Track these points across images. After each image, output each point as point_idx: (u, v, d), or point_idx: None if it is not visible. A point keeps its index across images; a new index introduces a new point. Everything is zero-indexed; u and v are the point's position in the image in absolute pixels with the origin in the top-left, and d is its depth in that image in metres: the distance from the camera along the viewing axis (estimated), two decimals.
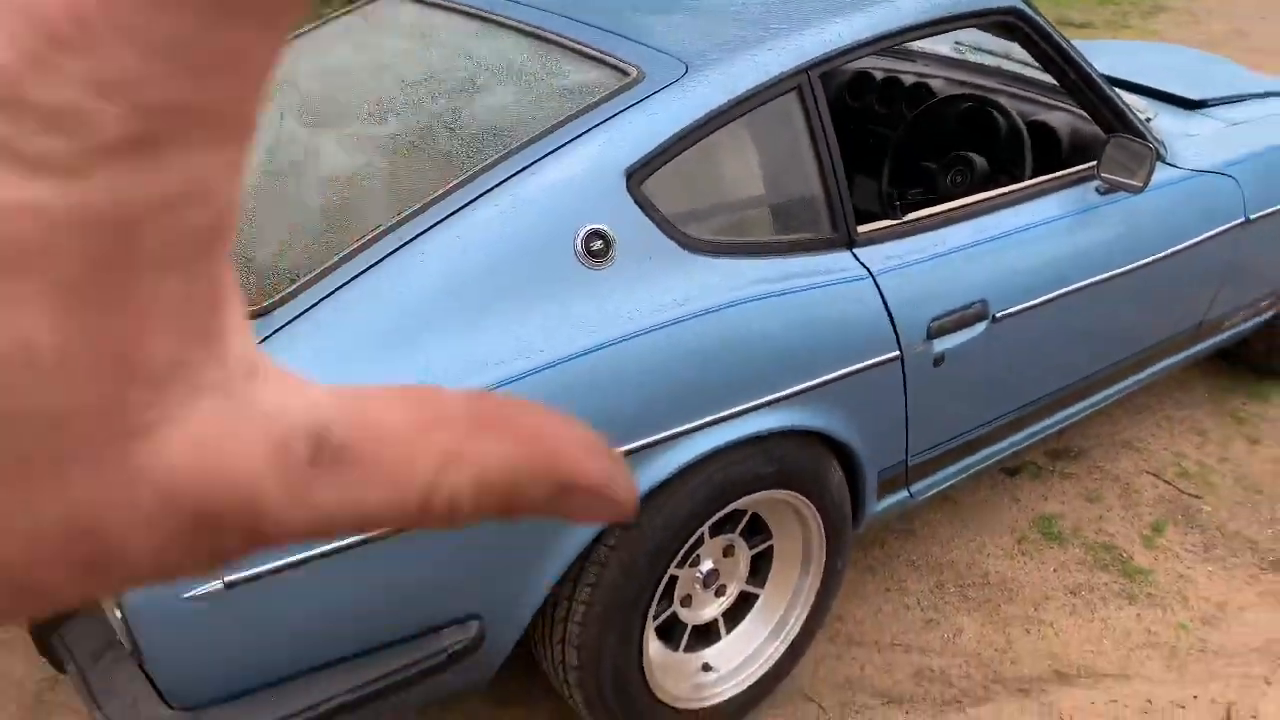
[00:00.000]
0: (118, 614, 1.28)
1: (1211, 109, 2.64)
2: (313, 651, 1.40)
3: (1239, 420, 2.90)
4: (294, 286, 1.42)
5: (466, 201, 1.49)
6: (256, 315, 1.41)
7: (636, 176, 1.57)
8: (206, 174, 0.15)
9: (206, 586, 1.26)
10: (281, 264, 1.48)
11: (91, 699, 1.39)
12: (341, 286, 1.41)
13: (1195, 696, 2.03)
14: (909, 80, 2.76)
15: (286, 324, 1.38)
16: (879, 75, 2.83)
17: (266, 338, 1.37)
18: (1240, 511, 2.55)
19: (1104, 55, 3.08)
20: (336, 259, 1.44)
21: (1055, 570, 2.34)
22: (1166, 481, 2.64)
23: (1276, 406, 2.97)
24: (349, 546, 1.33)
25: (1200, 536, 2.46)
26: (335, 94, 1.93)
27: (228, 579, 1.27)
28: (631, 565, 1.59)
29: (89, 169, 0.14)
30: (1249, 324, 2.74)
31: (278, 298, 1.41)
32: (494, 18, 1.95)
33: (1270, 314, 2.79)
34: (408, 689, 1.46)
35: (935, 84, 2.70)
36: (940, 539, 2.42)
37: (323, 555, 1.31)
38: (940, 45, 2.84)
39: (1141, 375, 2.48)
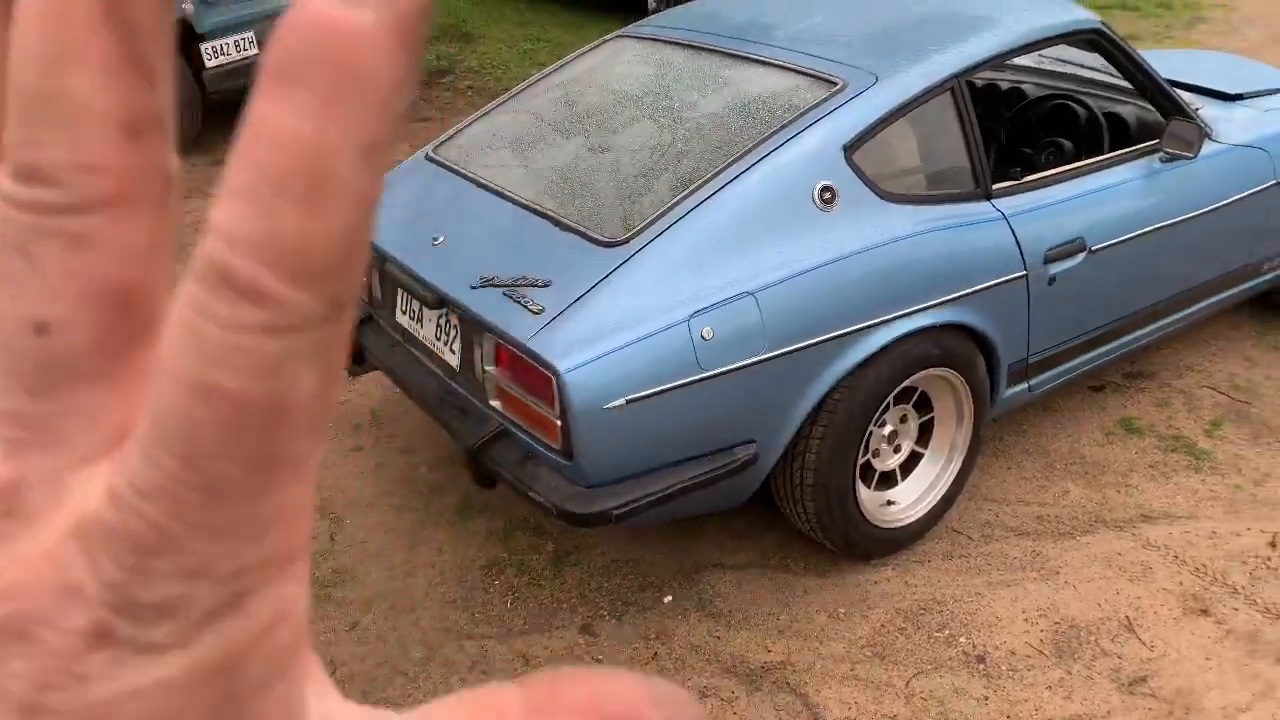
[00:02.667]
0: (558, 422, 2.07)
1: (1247, 100, 3.36)
2: (666, 451, 2.17)
3: None
4: (642, 224, 2.23)
5: (745, 168, 2.28)
6: (621, 243, 2.21)
7: (850, 150, 2.35)
8: (286, 599, 0.17)
9: (615, 401, 2.05)
10: (632, 210, 2.29)
11: (526, 486, 2.18)
12: (674, 224, 2.21)
13: (1248, 529, 2.73)
14: (1005, 86, 3.53)
15: (642, 247, 2.18)
16: (980, 83, 3.59)
17: (632, 256, 2.17)
18: None
19: (1158, 61, 3.82)
20: (668, 206, 2.24)
21: (1137, 453, 3.06)
22: (1222, 393, 3.34)
23: None
24: (692, 383, 2.11)
25: (1250, 429, 3.16)
26: (618, 101, 2.74)
27: (628, 397, 2.06)
28: (852, 411, 2.35)
29: (197, 637, 0.16)
30: None
31: (635, 231, 2.21)
32: (723, 50, 2.76)
33: None
34: (713, 485, 2.23)
35: (1026, 88, 3.46)
36: (1046, 434, 3.15)
37: (679, 387, 2.09)
38: (1028, 59, 3.60)
39: (1202, 305, 3.19)
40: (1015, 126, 3.37)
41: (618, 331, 2.08)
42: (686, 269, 2.17)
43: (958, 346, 2.50)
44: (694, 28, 2.95)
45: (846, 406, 2.35)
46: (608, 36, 3.17)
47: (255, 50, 5.82)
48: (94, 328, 0.17)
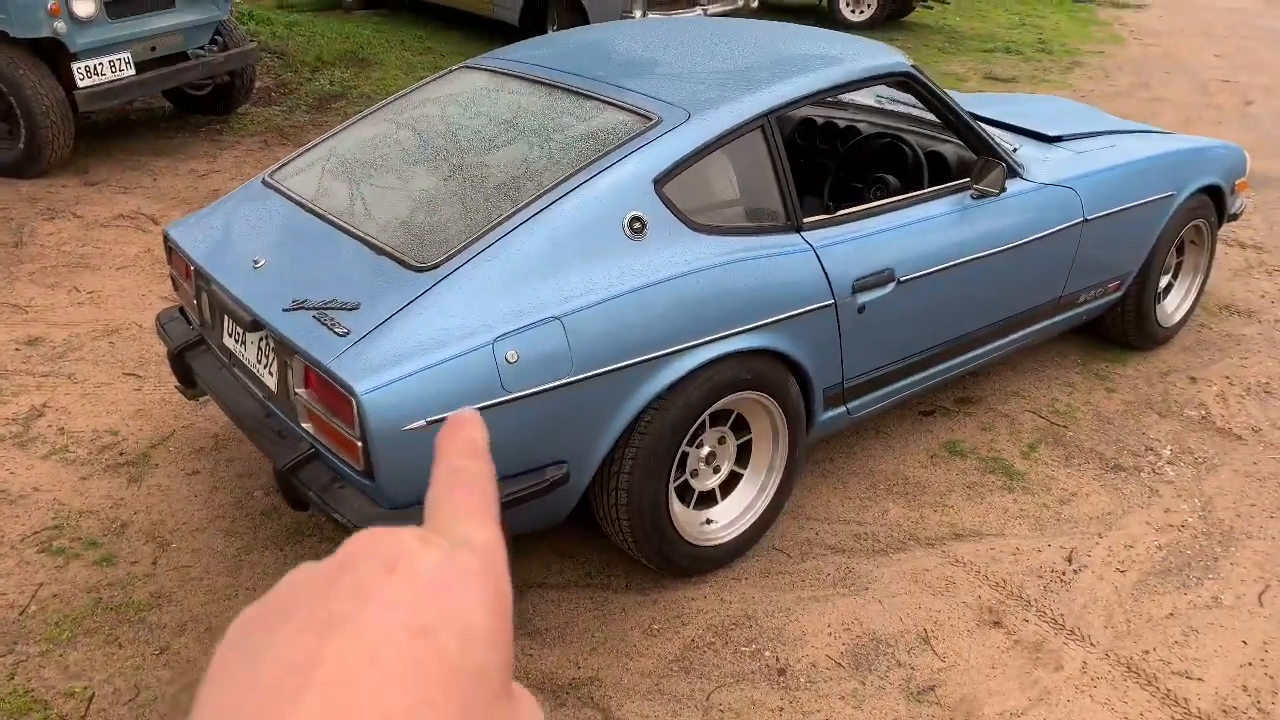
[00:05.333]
0: (359, 443, 2.10)
1: (1065, 142, 3.58)
2: None
3: (1101, 377, 3.82)
4: (454, 250, 2.29)
5: (557, 198, 2.36)
6: (431, 268, 2.27)
7: (660, 182, 2.45)
8: None
9: (415, 423, 2.10)
10: (446, 236, 2.35)
11: (331, 507, 2.21)
12: (484, 250, 2.28)
13: (1049, 545, 2.89)
14: (842, 124, 3.70)
15: (452, 272, 2.24)
16: (820, 121, 3.76)
17: (440, 280, 2.23)
18: (1094, 435, 3.44)
19: (998, 104, 4.05)
20: (480, 233, 2.31)
21: (957, 474, 3.21)
22: (1042, 417, 3.53)
23: (1130, 366, 3.89)
24: (496, 405, 2.17)
25: (1063, 451, 3.35)
26: (451, 130, 2.80)
27: (429, 419, 2.10)
28: (662, 432, 2.44)
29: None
30: (1101, 301, 3.66)
31: (446, 256, 2.27)
32: (552, 83, 2.85)
33: (1117, 294, 3.71)
34: (522, 504, 2.29)
35: (861, 126, 3.64)
36: (874, 456, 3.29)
37: (485, 407, 2.15)
38: (866, 98, 3.78)
39: (1017, 336, 3.38)
40: (848, 162, 3.53)
41: (420, 354, 2.13)
42: (495, 294, 2.24)
43: (768, 371, 2.61)
44: (533, 61, 3.05)
45: (657, 428, 2.43)
46: (454, 66, 3.24)
47: (131, 72, 5.74)
48: None
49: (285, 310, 2.32)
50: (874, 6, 10.21)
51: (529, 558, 2.77)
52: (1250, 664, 2.48)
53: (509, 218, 2.34)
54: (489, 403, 2.17)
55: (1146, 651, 2.50)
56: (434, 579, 0.32)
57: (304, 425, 2.32)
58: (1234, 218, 4.11)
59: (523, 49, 3.27)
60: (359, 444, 2.11)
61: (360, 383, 2.06)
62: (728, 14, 8.55)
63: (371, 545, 0.34)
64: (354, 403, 2.07)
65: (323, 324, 2.23)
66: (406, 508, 2.18)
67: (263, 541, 2.80)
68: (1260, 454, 3.37)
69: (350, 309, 2.25)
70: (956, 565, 2.79)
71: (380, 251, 2.38)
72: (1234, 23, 12.37)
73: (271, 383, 2.45)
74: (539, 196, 2.38)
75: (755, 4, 9.02)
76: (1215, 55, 10.32)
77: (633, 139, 2.50)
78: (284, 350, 2.33)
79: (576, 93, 2.77)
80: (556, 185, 2.40)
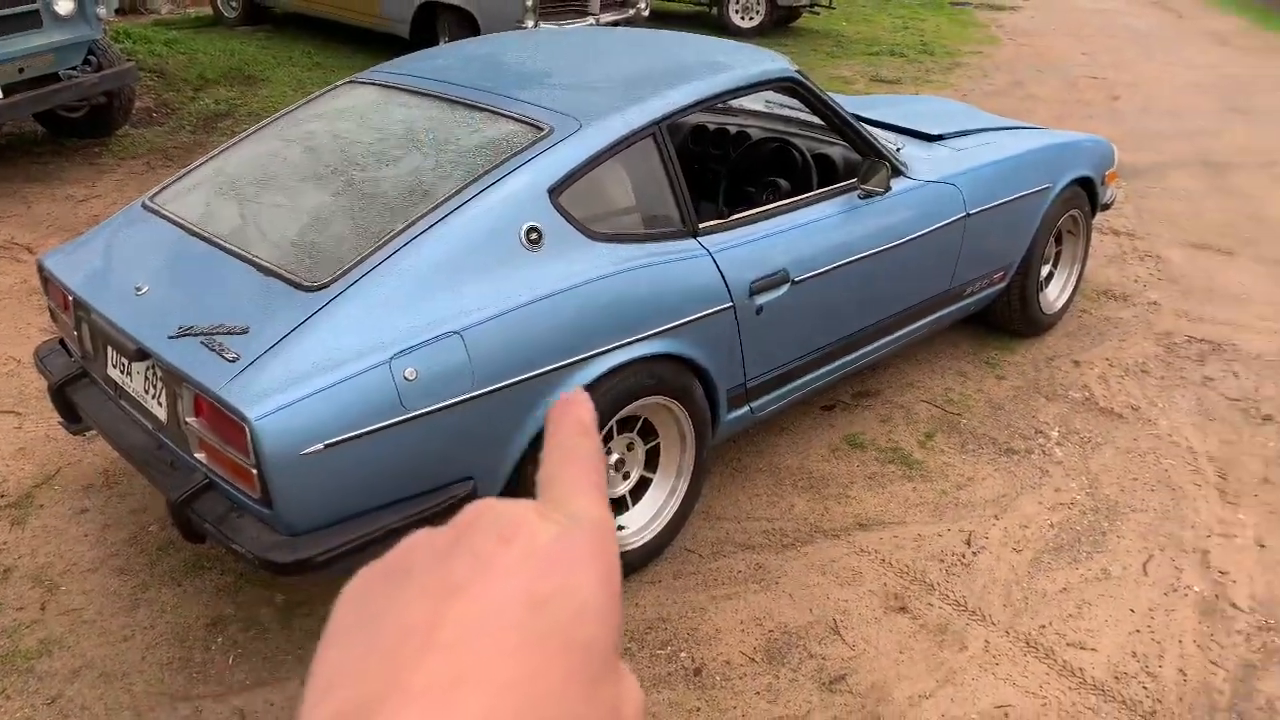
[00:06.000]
0: (254, 471, 2.05)
1: (946, 140, 3.71)
2: (375, 494, 2.18)
3: (991, 365, 3.97)
4: (345, 268, 2.25)
5: (450, 211, 2.35)
6: (322, 287, 2.22)
7: (555, 192, 2.46)
8: None
9: (312, 447, 2.05)
10: (337, 254, 2.30)
11: (229, 539, 2.14)
12: (377, 267, 2.24)
13: (949, 530, 2.99)
14: (733, 130, 3.76)
15: (344, 290, 2.20)
16: (712, 127, 3.82)
17: (332, 300, 2.19)
18: (987, 421, 3.57)
19: (882, 105, 4.17)
20: (372, 250, 2.27)
21: (858, 465, 3.30)
22: (937, 406, 3.65)
23: (1018, 353, 4.05)
24: (396, 424, 2.14)
25: (959, 438, 3.47)
26: (340, 145, 2.75)
27: (326, 442, 2.06)
28: None
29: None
30: (988, 292, 3.81)
31: (338, 274, 2.23)
32: (442, 95, 2.83)
33: (1002, 284, 3.87)
34: (431, 524, 2.25)
35: (752, 132, 3.71)
36: (778, 452, 3.35)
37: (385, 427, 2.12)
38: (756, 104, 3.85)
39: (913, 328, 3.49)
40: (740, 167, 3.60)
41: (314, 376, 2.08)
42: (390, 311, 2.21)
43: (672, 375, 2.64)
44: (422, 74, 3.02)
45: None
46: (340, 82, 3.19)
47: None
48: None
49: (171, 338, 2.24)
50: (763, 13, 10.42)
51: None
52: (1138, 631, 2.61)
53: (402, 233, 2.31)
54: (388, 422, 2.14)
55: (1043, 626, 2.61)
56: (550, 552, 0.33)
57: (197, 455, 2.25)
58: (1106, 207, 4.33)
59: (412, 62, 3.23)
60: (254, 471, 2.06)
61: (252, 409, 2.01)
62: (619, 24, 8.61)
63: (489, 515, 0.35)
64: (247, 429, 2.01)
65: (211, 350, 2.17)
66: (308, 533, 2.13)
67: (160, 577, 2.69)
68: (1139, 431, 3.55)
69: (239, 333, 2.19)
70: (861, 554, 2.87)
71: (269, 272, 2.33)
72: (1101, 23, 13.01)
73: (161, 413, 2.37)
74: (432, 210, 2.36)
75: (646, 13, 9.11)
76: (1083, 54, 10.84)
77: (525, 149, 2.50)
78: (172, 379, 2.25)
79: (467, 105, 2.76)
80: (450, 198, 2.38)
